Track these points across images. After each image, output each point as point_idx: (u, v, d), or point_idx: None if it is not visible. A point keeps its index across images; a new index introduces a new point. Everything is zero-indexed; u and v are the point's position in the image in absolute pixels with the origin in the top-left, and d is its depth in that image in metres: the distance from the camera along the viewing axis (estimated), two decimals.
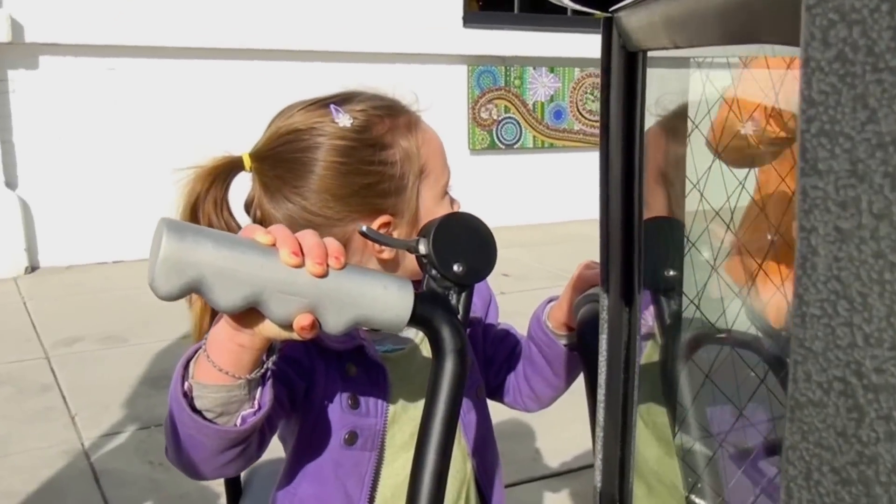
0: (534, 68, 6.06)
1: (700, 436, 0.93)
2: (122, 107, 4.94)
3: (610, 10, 0.75)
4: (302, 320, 0.70)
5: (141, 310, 4.13)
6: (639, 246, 0.77)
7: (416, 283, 0.81)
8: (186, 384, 0.80)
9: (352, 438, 0.99)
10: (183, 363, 0.81)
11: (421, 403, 0.98)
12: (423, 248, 0.80)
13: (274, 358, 0.80)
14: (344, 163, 0.95)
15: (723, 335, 0.95)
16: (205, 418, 0.79)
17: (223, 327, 0.75)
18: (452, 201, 1.04)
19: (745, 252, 1.79)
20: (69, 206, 4.90)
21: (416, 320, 0.75)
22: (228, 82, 5.14)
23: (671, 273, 0.88)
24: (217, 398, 0.78)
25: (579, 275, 1.05)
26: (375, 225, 0.95)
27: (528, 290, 4.15)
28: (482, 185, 5.44)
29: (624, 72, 0.75)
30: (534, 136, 6.16)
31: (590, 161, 6.36)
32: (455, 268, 0.80)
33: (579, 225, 5.99)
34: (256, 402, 0.81)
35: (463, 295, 0.81)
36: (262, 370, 0.79)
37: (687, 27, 0.59)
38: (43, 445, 2.69)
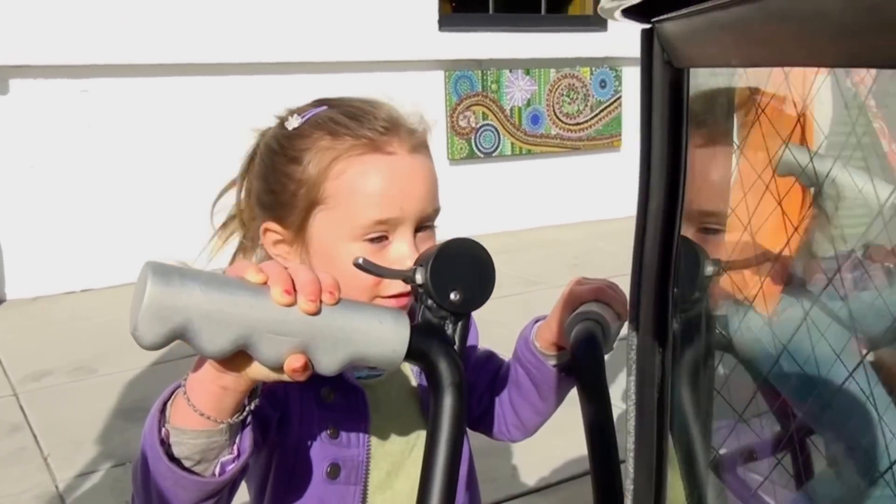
0: (510, 71, 5.96)
1: (704, 455, 0.90)
2: (95, 129, 4.79)
3: (652, 19, 0.63)
4: (293, 362, 0.67)
5: (111, 338, 4.02)
6: (674, 281, 0.71)
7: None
8: (163, 430, 0.74)
9: (334, 471, 0.94)
10: (159, 407, 0.76)
11: (400, 439, 1.00)
12: (419, 278, 0.77)
13: (256, 401, 0.76)
14: (265, 164, 0.98)
15: (725, 343, 0.93)
16: (182, 467, 0.74)
17: (206, 369, 0.71)
18: (383, 251, 0.92)
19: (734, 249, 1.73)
20: (38, 236, 4.74)
21: (411, 354, 0.72)
22: (202, 99, 5.02)
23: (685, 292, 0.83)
24: (196, 444, 0.74)
25: (570, 291, 1.00)
26: (271, 229, 0.97)
27: (498, 297, 4.06)
28: (461, 196, 5.34)
29: (669, 92, 0.65)
30: (512, 143, 6.06)
31: (566, 166, 6.32)
32: (452, 296, 0.77)
33: (553, 230, 5.93)
34: (236, 448, 0.77)
35: (459, 324, 0.78)
36: (244, 414, 0.75)
37: (769, 41, 0.47)
38: (17, 491, 2.60)
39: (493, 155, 6.00)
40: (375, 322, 0.70)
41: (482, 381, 1.13)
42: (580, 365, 0.92)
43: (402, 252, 0.92)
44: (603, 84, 6.36)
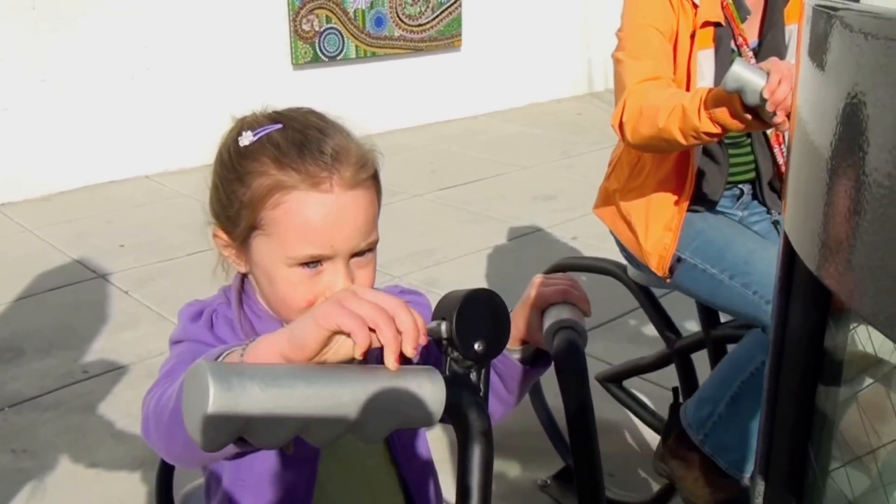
0: None
1: None
2: None
3: None
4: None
5: None
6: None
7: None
8: None
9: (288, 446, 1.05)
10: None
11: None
12: (444, 331, 0.79)
13: None
14: (218, 174, 1.02)
15: None
16: None
17: None
18: (316, 277, 0.97)
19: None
20: None
21: (446, 410, 0.75)
22: None
23: None
24: None
25: (537, 294, 1.02)
26: (219, 235, 1.03)
27: None
28: (307, 102, 5.25)
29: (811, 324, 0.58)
30: (356, 46, 6.05)
31: (409, 67, 6.38)
32: (476, 347, 0.80)
33: (401, 135, 6.00)
34: None
35: (483, 371, 0.82)
36: None
37: None
38: None
39: (338, 58, 5.97)
40: (415, 387, 0.73)
41: None
42: (565, 375, 0.94)
43: (333, 282, 0.96)
44: None
